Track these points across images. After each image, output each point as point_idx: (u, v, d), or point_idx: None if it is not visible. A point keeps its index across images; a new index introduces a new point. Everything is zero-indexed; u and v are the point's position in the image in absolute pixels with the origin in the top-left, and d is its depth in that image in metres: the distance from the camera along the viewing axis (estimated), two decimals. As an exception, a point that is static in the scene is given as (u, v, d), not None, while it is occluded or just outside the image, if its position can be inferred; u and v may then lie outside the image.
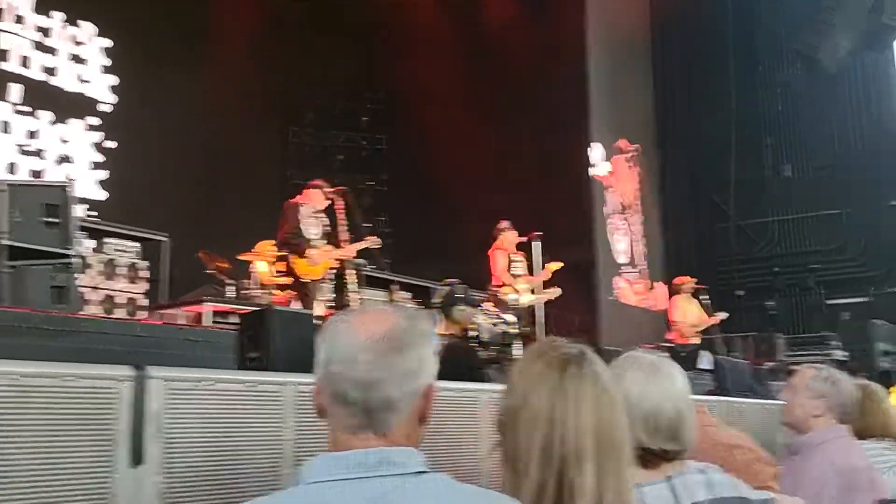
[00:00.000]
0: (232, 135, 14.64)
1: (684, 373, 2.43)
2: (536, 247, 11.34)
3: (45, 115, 13.05)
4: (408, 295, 11.68)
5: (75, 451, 2.86)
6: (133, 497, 2.99)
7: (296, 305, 9.26)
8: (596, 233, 17.32)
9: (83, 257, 8.46)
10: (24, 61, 12.86)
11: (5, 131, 12.54)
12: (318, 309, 9.13)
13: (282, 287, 9.93)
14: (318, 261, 9.28)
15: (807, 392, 3.73)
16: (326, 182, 9.92)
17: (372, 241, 9.86)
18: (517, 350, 9.32)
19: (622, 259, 18.47)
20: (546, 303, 11.45)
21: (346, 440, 1.60)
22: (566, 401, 1.85)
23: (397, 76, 17.57)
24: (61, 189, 6.69)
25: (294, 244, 9.19)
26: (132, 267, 9.16)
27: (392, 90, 18.29)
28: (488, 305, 10.27)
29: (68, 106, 13.40)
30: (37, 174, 12.71)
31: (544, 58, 16.49)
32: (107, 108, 13.92)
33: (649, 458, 2.25)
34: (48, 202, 6.46)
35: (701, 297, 13.69)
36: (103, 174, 13.68)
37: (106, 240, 9.12)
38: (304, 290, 9.29)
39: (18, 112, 12.71)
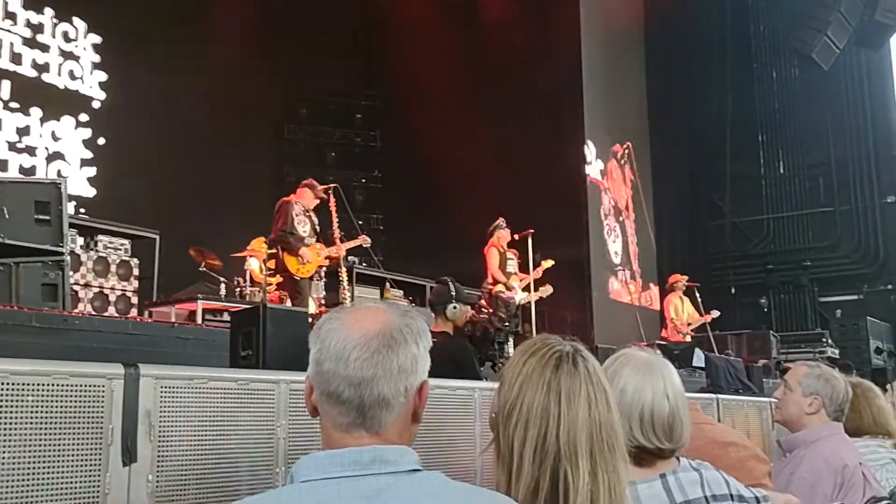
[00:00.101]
0: (225, 131, 14.63)
1: (677, 370, 2.43)
2: (529, 244, 11.36)
3: (36, 112, 13.02)
4: (401, 292, 11.68)
5: (66, 451, 2.85)
6: (124, 496, 2.99)
7: (288, 303, 9.26)
8: (590, 230, 17.32)
9: (75, 255, 8.46)
10: (15, 58, 12.82)
11: (-4, 128, 12.53)
12: (311, 306, 9.13)
13: (274, 285, 9.93)
14: (310, 258, 9.29)
15: (800, 389, 3.74)
16: (319, 179, 9.94)
17: (363, 240, 9.88)
18: (510, 348, 9.36)
19: (616, 260, 18.48)
20: (539, 300, 11.47)
21: (339, 438, 1.59)
22: (560, 398, 1.86)
23: (391, 73, 17.61)
24: (52, 186, 6.67)
25: (286, 242, 9.20)
26: (123, 264, 9.15)
27: (386, 87, 18.32)
28: (482, 303, 10.30)
29: (59, 102, 13.37)
30: (28, 171, 12.68)
31: (539, 55, 16.52)
32: (97, 105, 13.88)
33: (643, 455, 2.25)
34: (39, 199, 6.44)
35: (694, 294, 13.74)
36: (94, 171, 13.64)
37: (97, 237, 9.11)
38: (296, 288, 9.30)
39: (9, 109, 12.68)
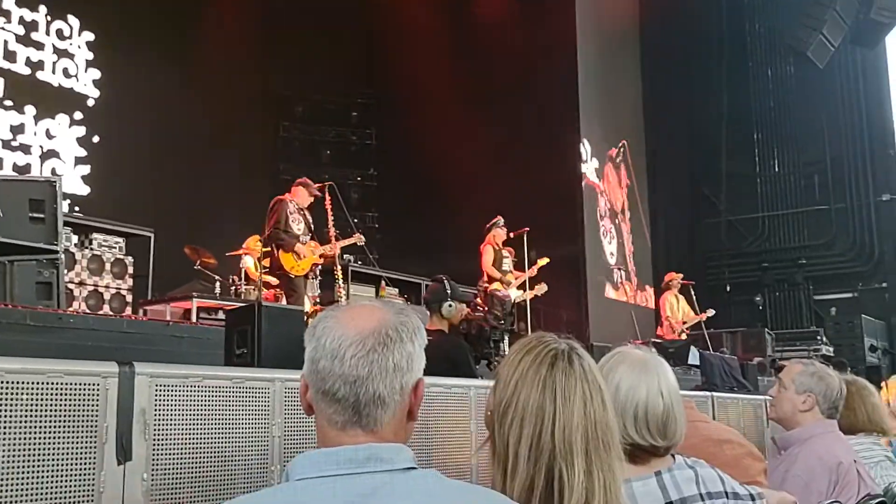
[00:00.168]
0: (220, 129, 14.60)
1: (672, 368, 2.44)
2: (525, 242, 11.39)
3: (30, 110, 12.99)
4: (396, 291, 11.68)
5: (61, 449, 2.85)
6: (119, 495, 2.99)
7: (283, 301, 9.25)
8: (586, 229, 17.33)
9: (69, 253, 8.45)
10: (9, 55, 12.80)
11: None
12: (306, 305, 9.13)
13: (269, 283, 9.92)
14: (306, 254, 9.29)
15: (794, 387, 3.75)
16: (315, 177, 9.93)
17: (357, 238, 9.88)
18: (505, 346, 9.36)
19: (612, 261, 18.50)
20: (534, 298, 11.49)
21: (334, 436, 1.59)
22: (555, 396, 1.86)
23: (387, 72, 17.62)
24: (47, 184, 6.66)
25: (281, 240, 9.20)
26: (118, 262, 9.14)
27: (382, 85, 18.31)
28: (477, 301, 10.31)
29: (54, 100, 13.34)
30: (22, 169, 12.66)
31: (535, 55, 16.52)
32: (91, 103, 13.85)
33: (638, 453, 2.26)
34: (33, 197, 6.43)
35: (689, 292, 13.76)
36: (88, 169, 13.61)
37: (92, 235, 9.10)
38: (291, 286, 9.30)
39: (3, 107, 12.65)
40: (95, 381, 2.98)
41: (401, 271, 12.10)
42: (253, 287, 10.40)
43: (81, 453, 2.90)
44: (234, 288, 10.73)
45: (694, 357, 11.41)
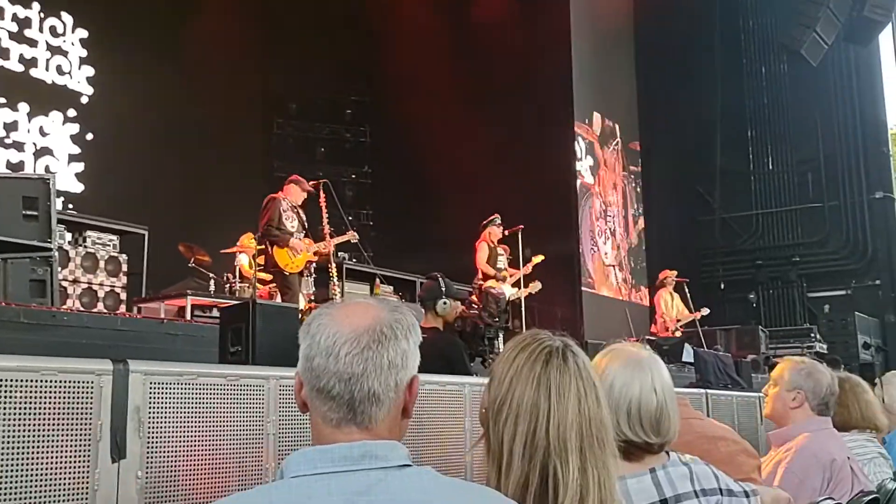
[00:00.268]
0: (214, 126, 14.59)
1: (666, 365, 2.44)
2: (519, 240, 11.40)
3: (24, 107, 12.96)
4: (390, 288, 11.68)
5: (55, 447, 2.85)
6: (114, 492, 2.98)
7: (278, 299, 9.25)
8: (580, 227, 17.36)
9: (63, 250, 8.44)
10: (2, 52, 12.77)
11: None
12: (301, 302, 9.13)
13: (263, 280, 9.92)
14: (302, 249, 9.30)
15: (784, 384, 3.76)
16: (309, 175, 9.94)
17: (351, 235, 9.89)
18: (500, 343, 9.38)
19: (608, 260, 18.52)
20: (529, 296, 11.50)
21: (329, 434, 1.59)
22: (549, 393, 1.86)
23: (381, 69, 17.59)
24: (41, 181, 6.65)
25: (275, 237, 9.20)
26: (112, 260, 9.12)
27: (376, 83, 18.30)
28: (472, 299, 10.32)
29: (47, 97, 13.31)
30: (15, 167, 12.63)
31: (529, 53, 16.54)
32: (85, 100, 13.83)
33: (632, 450, 2.26)
34: (27, 195, 6.41)
35: (683, 290, 13.79)
36: (82, 166, 13.59)
37: (85, 233, 9.08)
38: (285, 283, 9.30)
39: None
40: (89, 378, 2.97)
41: (395, 269, 12.11)
42: (247, 284, 10.41)
43: (75, 451, 2.90)
44: (228, 285, 10.73)
45: (688, 354, 11.44)
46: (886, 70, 20.00)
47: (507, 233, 11.33)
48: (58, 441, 2.85)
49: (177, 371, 3.29)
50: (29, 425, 2.78)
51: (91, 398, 2.97)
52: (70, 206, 12.63)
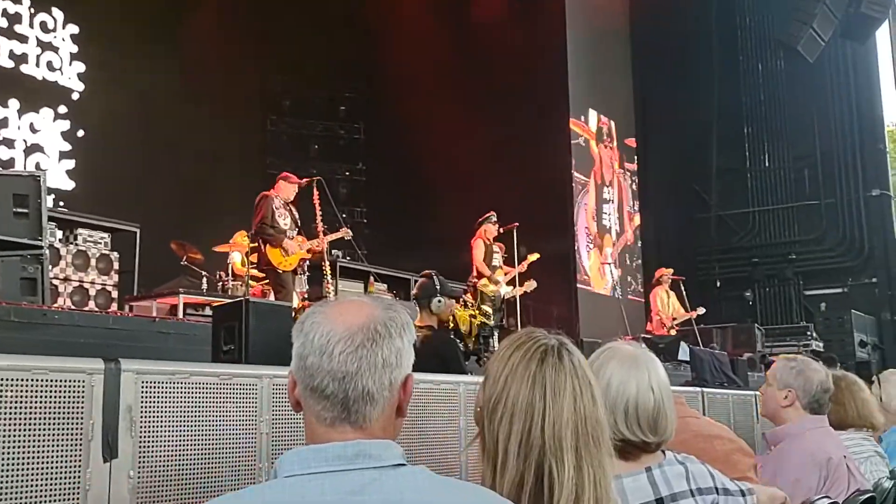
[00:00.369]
0: (207, 122, 14.56)
1: (663, 364, 2.45)
2: (514, 238, 11.41)
3: (14, 104, 12.93)
4: (385, 286, 11.67)
5: (46, 446, 2.84)
6: (105, 492, 2.98)
7: (271, 297, 9.25)
8: (576, 224, 17.37)
9: (54, 248, 8.42)
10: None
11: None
12: (294, 300, 9.13)
13: (257, 279, 9.92)
14: (294, 249, 9.29)
15: (776, 383, 3.77)
16: (302, 172, 9.95)
17: (344, 232, 9.90)
18: (495, 342, 9.38)
19: (608, 259, 18.52)
20: (524, 294, 11.51)
21: (323, 433, 1.59)
22: (545, 392, 1.86)
23: (375, 66, 17.58)
24: (31, 179, 6.64)
25: (267, 235, 9.20)
26: (104, 258, 9.11)
27: (370, 79, 18.28)
28: (467, 297, 10.33)
29: (38, 94, 13.27)
30: (6, 164, 12.60)
31: (525, 51, 16.54)
32: (76, 96, 13.79)
33: (628, 449, 2.27)
34: (17, 192, 6.40)
35: (680, 288, 13.81)
36: (73, 163, 13.55)
37: (76, 230, 9.07)
38: (278, 281, 9.30)
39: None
40: (81, 377, 2.97)
41: (390, 267, 12.09)
42: (240, 283, 10.40)
43: (67, 451, 2.89)
44: (221, 284, 10.73)
45: (684, 353, 11.45)
46: (883, 67, 20.05)
47: (502, 230, 11.34)
48: (49, 440, 2.85)
49: (169, 370, 3.29)
50: (20, 425, 2.78)
51: (82, 397, 2.97)
52: (61, 203, 12.59)
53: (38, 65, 13.34)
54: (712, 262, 20.37)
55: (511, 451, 1.83)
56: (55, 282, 8.42)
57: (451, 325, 8.51)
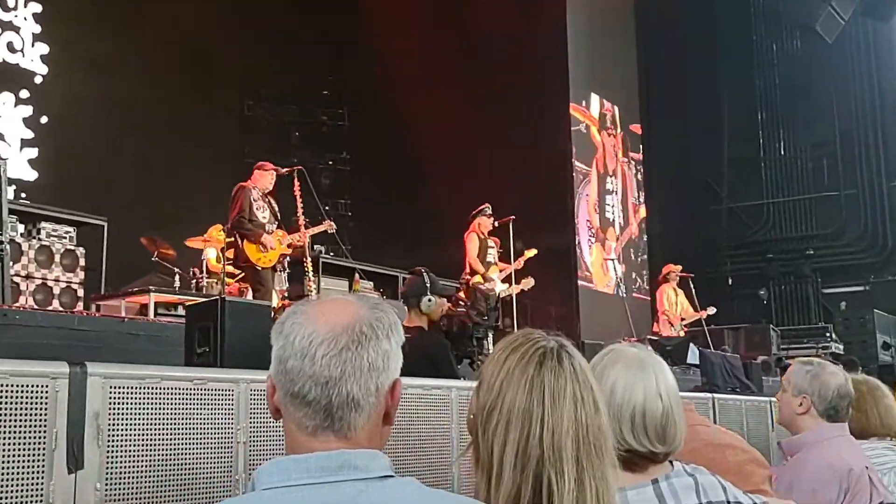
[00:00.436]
0: (179, 109, 14.52)
1: (670, 367, 2.44)
2: (510, 232, 11.41)
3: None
4: (371, 284, 11.68)
5: (6, 456, 2.84)
6: (71, 506, 2.98)
7: (249, 296, 9.25)
8: (577, 217, 17.38)
9: (15, 244, 8.40)
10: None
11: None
12: (273, 299, 9.13)
13: (233, 276, 9.91)
14: (273, 245, 9.28)
15: (791, 388, 3.77)
16: (282, 161, 9.93)
17: (328, 225, 9.89)
18: (489, 344, 9.38)
19: (606, 254, 18.55)
20: (521, 293, 11.51)
21: (304, 442, 1.59)
22: (543, 398, 1.86)
23: (362, 46, 17.50)
24: (-10, 168, 6.62)
25: (245, 229, 9.19)
26: (69, 254, 9.08)
27: (355, 62, 18.20)
28: (459, 295, 10.32)
29: (-2, 78, 13.25)
30: (-38, 152, 12.58)
31: (522, 30, 16.53)
32: (38, 80, 13.74)
33: (634, 459, 2.26)
34: (-25, 183, 6.39)
35: (688, 286, 13.82)
36: (35, 152, 13.51)
37: (40, 224, 9.04)
38: (257, 279, 9.29)
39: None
40: (44, 382, 2.97)
41: (376, 263, 12.09)
42: (215, 280, 10.39)
43: (29, 461, 2.89)
44: (194, 281, 10.71)
45: (693, 355, 11.47)
46: (907, 47, 20.09)
47: (497, 224, 11.33)
48: (9, 450, 2.84)
49: (139, 374, 3.29)
50: (-23, 434, 2.77)
51: (45, 404, 2.96)
52: (23, 195, 12.56)
53: (-3, 46, 13.31)
54: (723, 257, 20.44)
55: (507, 462, 1.83)
56: (16, 279, 8.40)
57: (443, 325, 8.51)
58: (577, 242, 17.30)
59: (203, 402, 3.47)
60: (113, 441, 3.13)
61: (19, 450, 2.87)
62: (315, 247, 10.90)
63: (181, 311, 9.20)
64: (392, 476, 1.58)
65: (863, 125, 19.65)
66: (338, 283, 11.24)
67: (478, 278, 10.80)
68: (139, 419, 3.23)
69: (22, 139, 13.38)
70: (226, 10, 15.84)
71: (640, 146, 20.94)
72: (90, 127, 13.31)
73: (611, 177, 19.38)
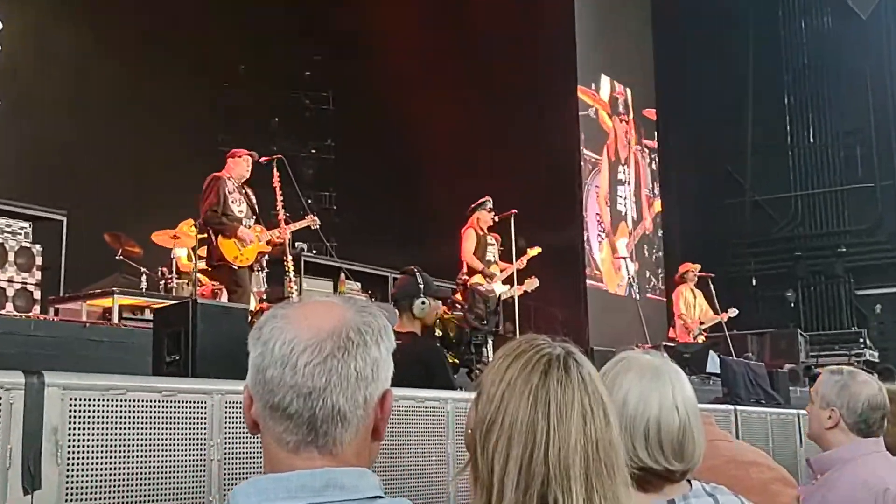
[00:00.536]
0: (146, 93, 14.50)
1: (688, 377, 2.45)
2: (512, 228, 11.40)
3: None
4: (358, 285, 11.69)
5: (-45, 476, 2.84)
6: (27, 530, 2.98)
7: (224, 298, 9.24)
8: (585, 210, 17.38)
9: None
10: None
11: None
12: (250, 302, 9.13)
13: (206, 275, 9.90)
14: (252, 239, 9.28)
15: (818, 401, 3.76)
16: (261, 150, 9.92)
17: (311, 220, 9.89)
18: (489, 351, 9.38)
19: (623, 252, 18.56)
20: (523, 294, 11.51)
21: (285, 459, 1.59)
22: (549, 411, 1.86)
23: (348, 22, 17.45)
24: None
25: (220, 224, 9.18)
26: (24, 252, 9.08)
27: (341, 40, 18.19)
28: (455, 297, 10.32)
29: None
30: None
31: (526, 4, 16.46)
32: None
33: (649, 478, 2.26)
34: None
35: (708, 287, 13.82)
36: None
37: (-8, 219, 9.05)
38: (232, 279, 9.29)
39: None
40: (-3, 394, 2.97)
41: (364, 262, 12.10)
42: (186, 281, 10.38)
43: (-21, 481, 2.89)
44: (163, 282, 10.70)
45: (713, 363, 11.49)
46: (950, 23, 20.10)
47: (498, 219, 11.32)
48: (-42, 469, 2.84)
49: (102, 385, 3.29)
50: (-77, 450, 2.77)
51: (-2, 418, 2.96)
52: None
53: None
54: (747, 255, 20.45)
55: (509, 482, 1.82)
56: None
57: (438, 331, 8.52)
58: (585, 238, 17.30)
59: (173, 416, 3.46)
60: (73, 459, 3.13)
61: (-30, 468, 2.87)
62: (297, 244, 10.91)
63: (148, 315, 9.20)
64: (382, 497, 1.58)
65: (899, 110, 19.68)
66: (322, 283, 11.25)
67: (477, 278, 10.80)
68: (102, 434, 3.23)
69: (-27, 125, 13.38)
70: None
71: (655, 133, 20.94)
72: (49, 113, 13.28)
73: (623, 166, 19.38)
